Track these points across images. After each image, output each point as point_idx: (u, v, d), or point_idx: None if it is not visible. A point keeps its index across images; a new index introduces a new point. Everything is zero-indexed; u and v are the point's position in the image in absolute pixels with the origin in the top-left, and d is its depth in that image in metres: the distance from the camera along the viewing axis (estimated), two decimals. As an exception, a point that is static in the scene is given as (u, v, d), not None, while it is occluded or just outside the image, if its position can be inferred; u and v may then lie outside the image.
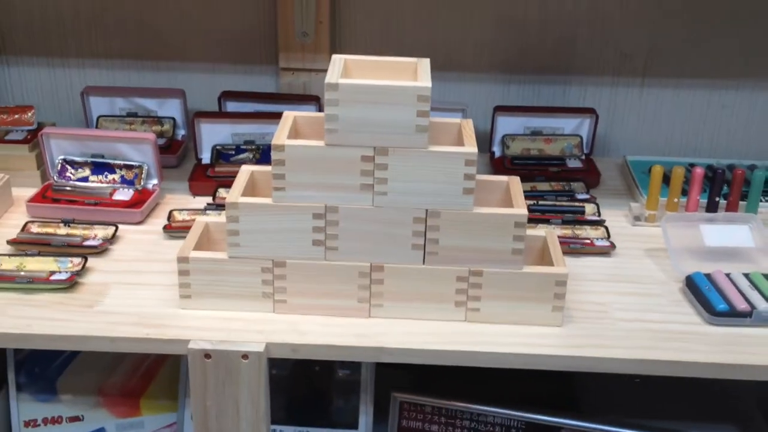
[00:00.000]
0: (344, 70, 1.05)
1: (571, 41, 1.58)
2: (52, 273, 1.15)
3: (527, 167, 1.49)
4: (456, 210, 1.04)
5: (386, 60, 1.10)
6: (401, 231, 1.05)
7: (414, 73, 1.07)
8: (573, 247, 1.25)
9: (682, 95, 1.61)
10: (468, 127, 1.09)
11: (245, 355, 1.02)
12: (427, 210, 1.04)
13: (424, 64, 1.07)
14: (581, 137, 1.54)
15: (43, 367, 1.39)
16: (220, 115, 1.51)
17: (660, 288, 1.19)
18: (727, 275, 1.17)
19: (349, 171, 1.03)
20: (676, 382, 1.44)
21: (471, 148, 1.03)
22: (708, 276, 1.16)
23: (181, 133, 1.58)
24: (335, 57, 1.08)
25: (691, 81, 1.60)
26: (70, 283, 1.13)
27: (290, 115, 1.11)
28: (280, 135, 1.05)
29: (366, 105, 1.00)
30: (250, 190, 1.11)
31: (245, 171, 1.13)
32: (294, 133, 1.09)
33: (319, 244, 1.06)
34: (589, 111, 1.54)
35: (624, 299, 1.16)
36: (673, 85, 1.61)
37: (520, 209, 1.06)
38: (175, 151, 1.53)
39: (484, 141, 1.53)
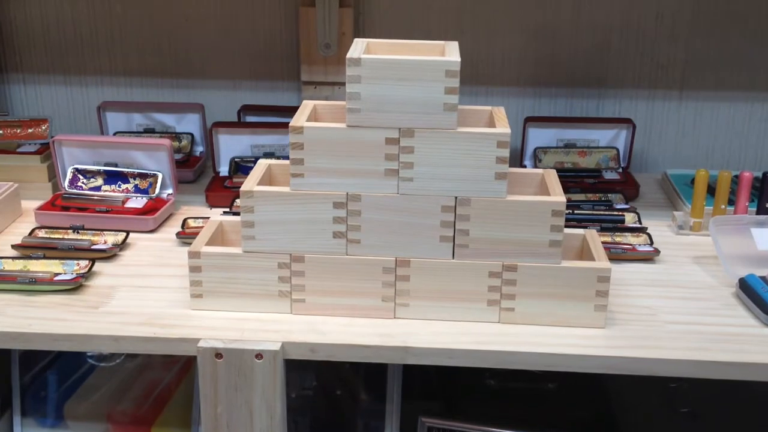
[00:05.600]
0: (367, 51, 0.98)
1: (604, 52, 1.51)
2: (57, 274, 1.08)
3: (561, 180, 1.40)
4: (488, 197, 0.96)
5: (412, 42, 1.03)
6: (429, 221, 0.98)
7: (441, 55, 1.00)
8: (614, 252, 1.17)
9: (722, 108, 1.54)
10: (500, 113, 1.02)
11: (259, 355, 0.94)
12: (456, 198, 0.97)
13: (453, 45, 1.01)
14: (617, 149, 1.47)
15: (50, 391, 1.31)
16: (239, 125, 1.45)
17: (711, 292, 1.09)
18: (785, 276, 1.07)
19: (372, 155, 0.96)
20: (727, 415, 1.33)
21: (503, 128, 0.96)
22: (763, 278, 1.07)
23: (199, 149, 1.52)
24: (357, 39, 1.02)
25: (731, 93, 1.53)
26: (75, 284, 1.06)
27: (310, 103, 1.05)
28: (298, 118, 0.98)
29: (390, 82, 0.93)
30: (267, 182, 1.04)
31: (262, 163, 1.06)
32: (313, 119, 1.02)
33: (340, 236, 0.99)
34: (626, 121, 1.47)
35: (672, 303, 1.06)
36: (712, 98, 1.53)
37: (558, 197, 0.98)
38: (192, 166, 1.47)
39: (515, 156, 1.46)
